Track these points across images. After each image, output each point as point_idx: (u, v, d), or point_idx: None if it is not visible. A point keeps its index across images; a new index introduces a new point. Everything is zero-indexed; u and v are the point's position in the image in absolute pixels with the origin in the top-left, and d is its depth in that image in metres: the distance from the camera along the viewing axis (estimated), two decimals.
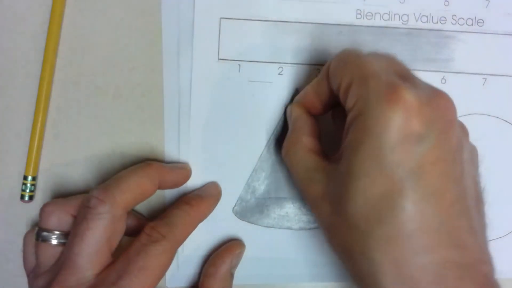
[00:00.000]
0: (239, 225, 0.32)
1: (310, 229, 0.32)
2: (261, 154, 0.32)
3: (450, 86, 0.31)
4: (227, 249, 0.31)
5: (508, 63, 0.32)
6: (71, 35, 0.31)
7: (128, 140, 0.31)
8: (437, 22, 0.31)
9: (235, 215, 0.32)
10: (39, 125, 0.30)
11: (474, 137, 0.30)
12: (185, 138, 0.31)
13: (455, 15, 0.31)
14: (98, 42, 0.31)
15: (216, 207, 0.31)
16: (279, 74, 0.31)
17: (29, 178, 0.30)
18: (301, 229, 0.32)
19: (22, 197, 0.30)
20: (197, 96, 0.31)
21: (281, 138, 0.31)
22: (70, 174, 0.31)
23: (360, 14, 0.31)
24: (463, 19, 0.31)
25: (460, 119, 0.31)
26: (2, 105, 0.31)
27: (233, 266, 0.30)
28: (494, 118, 0.32)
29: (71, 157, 0.31)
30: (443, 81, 0.31)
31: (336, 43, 0.31)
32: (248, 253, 0.32)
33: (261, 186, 0.32)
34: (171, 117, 0.31)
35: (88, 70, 0.31)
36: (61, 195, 0.31)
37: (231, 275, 0.30)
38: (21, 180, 0.30)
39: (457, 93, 0.30)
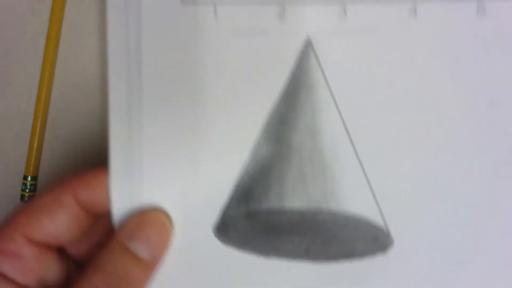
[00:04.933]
0: (223, 253, 0.22)
1: (332, 260, 0.21)
2: (257, 142, 0.22)
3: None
4: None
5: None
6: (71, 35, 0.31)
7: None
8: None
9: (217, 237, 0.22)
10: (39, 125, 0.30)
11: None
12: (136, 122, 0.22)
13: None
14: (98, 42, 0.31)
15: (190, 225, 0.22)
16: (279, 19, 0.21)
17: (29, 178, 0.30)
18: (316, 261, 0.21)
19: (22, 197, 0.30)
20: (151, 58, 0.21)
21: (285, 115, 0.21)
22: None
23: None
24: None
25: None
26: (2, 105, 0.31)
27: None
28: None
29: (71, 157, 0.31)
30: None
31: None
32: None
33: (257, 191, 0.22)
34: (117, 90, 0.22)
35: (88, 70, 0.31)
36: None
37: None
38: (21, 180, 0.30)
39: None
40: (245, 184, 0.22)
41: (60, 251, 0.24)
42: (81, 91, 0.31)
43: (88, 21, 0.31)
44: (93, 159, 0.31)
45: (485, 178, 0.21)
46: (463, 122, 0.21)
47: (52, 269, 0.23)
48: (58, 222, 0.22)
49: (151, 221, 0.22)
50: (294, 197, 0.22)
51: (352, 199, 0.21)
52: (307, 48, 0.21)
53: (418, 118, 0.21)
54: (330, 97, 0.21)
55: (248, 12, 0.21)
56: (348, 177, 0.22)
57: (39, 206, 0.22)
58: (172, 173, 0.22)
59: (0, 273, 0.22)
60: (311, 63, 0.21)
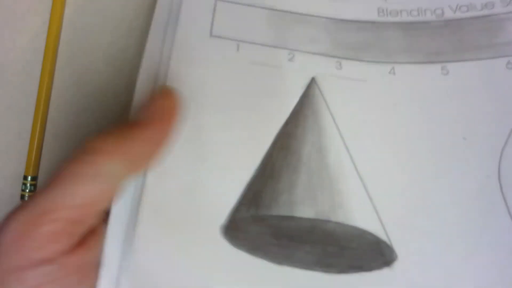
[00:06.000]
0: (231, 256, 0.22)
1: (344, 272, 0.22)
2: (267, 151, 0.24)
3: None
4: None
5: None
6: (71, 35, 0.31)
7: None
8: (482, 9, 0.26)
9: (224, 237, 0.22)
10: (39, 125, 0.30)
11: None
12: None
13: None
14: (98, 42, 0.30)
15: (197, 224, 0.22)
16: (289, 60, 0.25)
17: (29, 178, 0.30)
18: (328, 272, 0.21)
19: (22, 197, 0.30)
20: (176, 74, 0.25)
21: (294, 130, 0.24)
22: None
23: (382, 12, 0.26)
24: None
25: None
26: (2, 105, 0.31)
27: None
28: None
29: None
30: (510, 66, 0.25)
31: (357, 39, 0.26)
32: None
33: (267, 196, 0.22)
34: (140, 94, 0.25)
35: (88, 70, 0.31)
36: None
37: None
38: (21, 180, 0.31)
39: None
40: (256, 188, 0.23)
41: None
42: (81, 91, 0.31)
43: (88, 21, 0.31)
44: None
45: (470, 199, 0.24)
46: (444, 151, 0.24)
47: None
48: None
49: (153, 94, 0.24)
50: (304, 207, 0.22)
51: (357, 213, 0.23)
52: (312, 82, 0.25)
53: (404, 147, 0.24)
54: (332, 121, 0.25)
55: (264, 51, 0.25)
56: (352, 192, 0.24)
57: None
58: (181, 171, 0.24)
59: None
60: (316, 93, 0.25)
